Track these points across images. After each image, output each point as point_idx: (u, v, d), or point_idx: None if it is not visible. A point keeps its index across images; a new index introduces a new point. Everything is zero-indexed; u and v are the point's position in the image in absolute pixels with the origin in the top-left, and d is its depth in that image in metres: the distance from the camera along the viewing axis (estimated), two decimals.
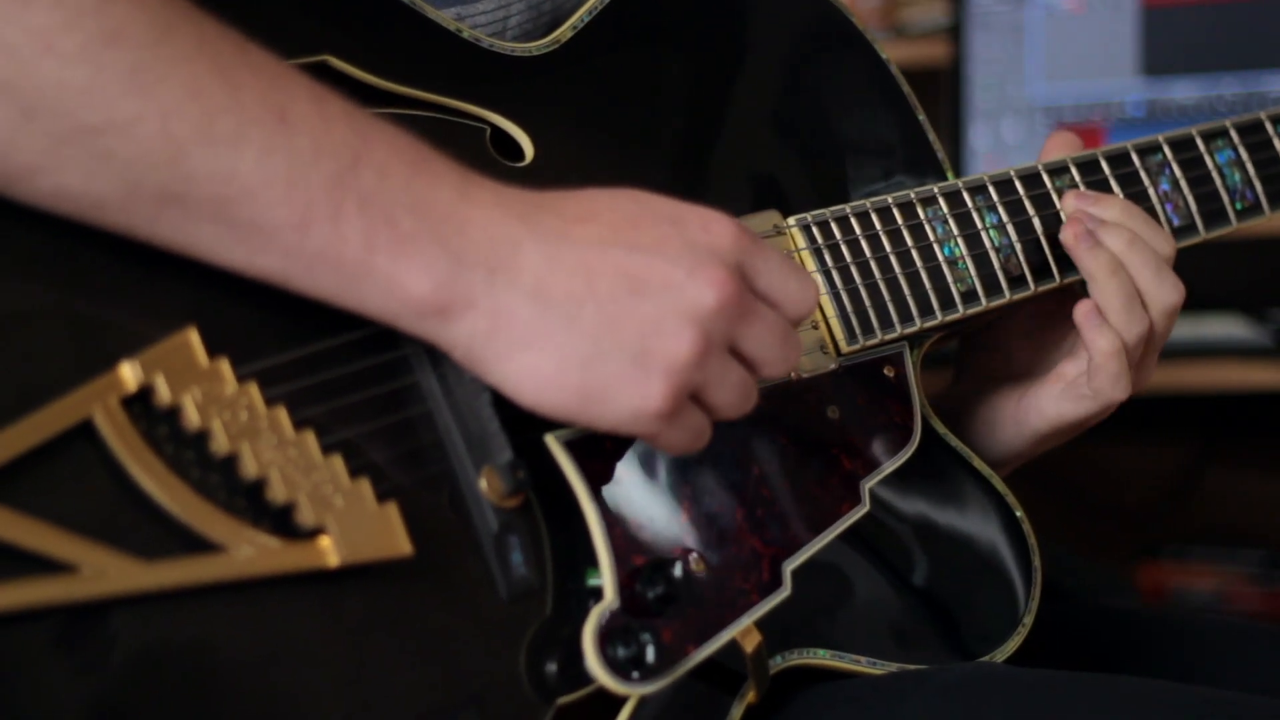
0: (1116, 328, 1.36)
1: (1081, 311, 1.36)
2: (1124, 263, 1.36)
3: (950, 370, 1.51)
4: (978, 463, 1.37)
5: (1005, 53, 2.85)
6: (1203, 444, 3.11)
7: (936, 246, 1.37)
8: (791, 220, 1.32)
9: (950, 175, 1.44)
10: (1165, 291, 1.38)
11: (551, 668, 1.13)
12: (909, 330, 1.34)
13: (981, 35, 2.87)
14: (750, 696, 1.21)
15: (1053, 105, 2.84)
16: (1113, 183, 1.46)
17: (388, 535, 1.08)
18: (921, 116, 1.44)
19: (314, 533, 1.06)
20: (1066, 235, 1.38)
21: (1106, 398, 1.38)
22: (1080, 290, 1.39)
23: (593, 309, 1.08)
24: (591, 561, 1.15)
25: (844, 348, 1.31)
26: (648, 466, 1.18)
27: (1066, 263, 1.40)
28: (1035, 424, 1.42)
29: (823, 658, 1.26)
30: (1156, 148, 1.50)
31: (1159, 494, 3.13)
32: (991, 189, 1.41)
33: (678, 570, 1.15)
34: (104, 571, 1.01)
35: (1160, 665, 1.41)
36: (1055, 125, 2.79)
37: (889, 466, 1.30)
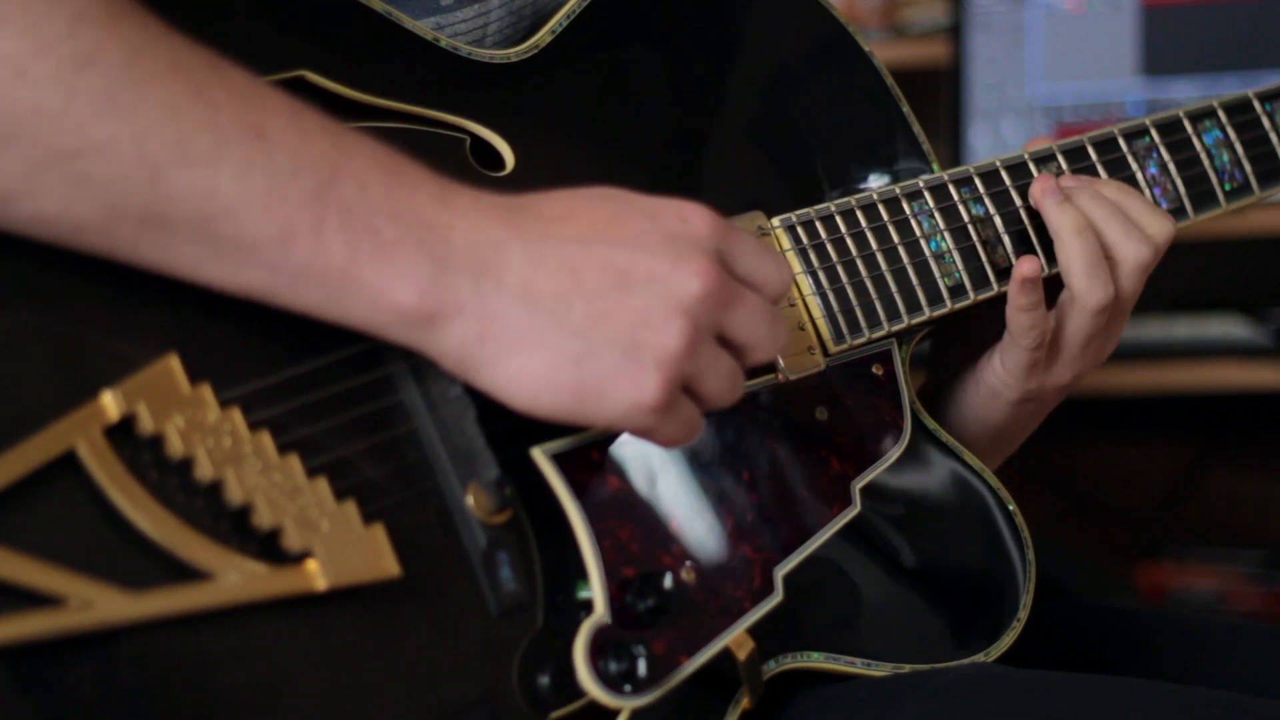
0: (1075, 291, 1.35)
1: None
2: (1091, 219, 1.36)
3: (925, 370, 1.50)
4: (969, 457, 1.36)
5: (1005, 53, 2.85)
6: (1203, 444, 3.12)
7: (923, 241, 1.36)
8: (776, 221, 1.32)
9: (936, 167, 1.43)
10: (1133, 247, 1.36)
11: (544, 681, 1.13)
12: (896, 328, 1.34)
13: (981, 35, 2.87)
14: (744, 703, 1.21)
15: (1053, 105, 2.84)
16: (1100, 169, 1.45)
17: (375, 556, 1.08)
18: (906, 108, 1.43)
19: (301, 557, 1.06)
20: (1035, 189, 1.38)
21: (1020, 344, 1.36)
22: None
23: (581, 306, 1.07)
24: (582, 574, 1.14)
25: (831, 348, 1.31)
26: (636, 477, 1.17)
27: (1053, 254, 1.39)
28: (993, 383, 1.40)
29: (817, 660, 1.26)
30: (1144, 131, 1.49)
31: (1159, 494, 3.13)
32: (977, 180, 1.40)
33: (668, 581, 1.15)
34: (91, 603, 1.00)
35: (1160, 665, 1.40)
36: (1055, 125, 2.79)
37: (879, 466, 1.30)
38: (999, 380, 1.40)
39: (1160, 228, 1.38)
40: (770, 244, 1.28)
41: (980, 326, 1.41)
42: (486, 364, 1.07)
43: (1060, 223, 1.36)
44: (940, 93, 2.87)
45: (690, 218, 1.12)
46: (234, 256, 1.04)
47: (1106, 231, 1.36)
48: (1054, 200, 1.37)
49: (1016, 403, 1.41)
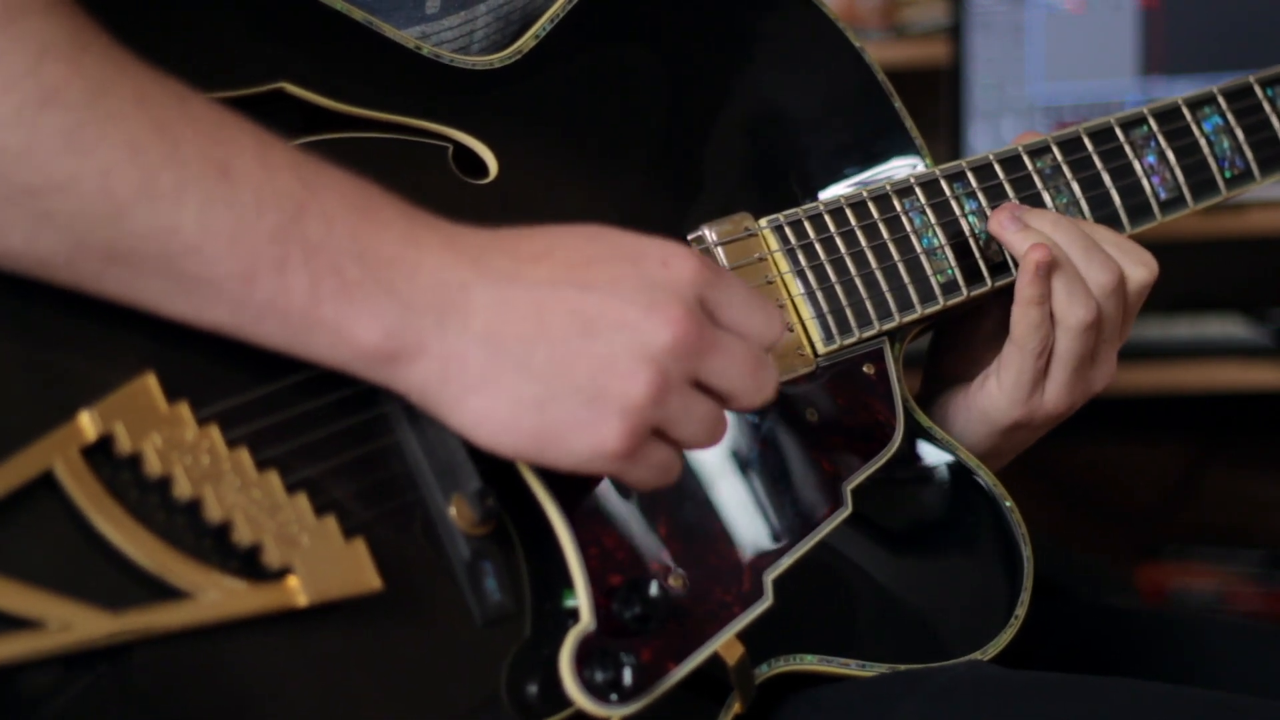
0: (1056, 311, 1.33)
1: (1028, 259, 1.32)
2: (1055, 241, 1.34)
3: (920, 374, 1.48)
4: (964, 454, 1.35)
5: (1005, 53, 2.86)
6: (1203, 444, 3.11)
7: (914, 238, 1.36)
8: (763, 222, 1.31)
9: (929, 161, 1.42)
10: (1095, 270, 1.34)
11: (532, 689, 1.13)
12: (888, 327, 1.33)
13: (981, 35, 2.87)
14: (736, 707, 1.21)
15: (1053, 105, 2.84)
16: (1096, 159, 1.44)
17: (356, 571, 1.08)
18: (898, 103, 1.43)
19: (281, 573, 1.06)
20: (992, 223, 1.36)
21: (1025, 347, 1.34)
22: None
23: (545, 350, 1.07)
24: (568, 582, 1.14)
25: (821, 349, 1.30)
26: (622, 484, 1.17)
27: None
28: (985, 406, 1.38)
29: (810, 663, 1.25)
30: (1141, 120, 1.48)
31: (1159, 494, 3.13)
32: (970, 175, 1.39)
33: (654, 589, 1.14)
34: (70, 624, 1.01)
35: (1160, 665, 1.39)
36: (1055, 125, 2.79)
37: (870, 466, 1.29)
38: (992, 403, 1.37)
39: (1139, 270, 1.36)
40: (762, 296, 1.25)
41: (975, 340, 1.40)
42: (449, 403, 1.07)
43: (1025, 248, 1.33)
44: (940, 93, 2.86)
45: (673, 262, 1.10)
46: (197, 292, 1.04)
47: (1068, 255, 1.34)
48: (1014, 228, 1.35)
49: (1006, 430, 1.38)
